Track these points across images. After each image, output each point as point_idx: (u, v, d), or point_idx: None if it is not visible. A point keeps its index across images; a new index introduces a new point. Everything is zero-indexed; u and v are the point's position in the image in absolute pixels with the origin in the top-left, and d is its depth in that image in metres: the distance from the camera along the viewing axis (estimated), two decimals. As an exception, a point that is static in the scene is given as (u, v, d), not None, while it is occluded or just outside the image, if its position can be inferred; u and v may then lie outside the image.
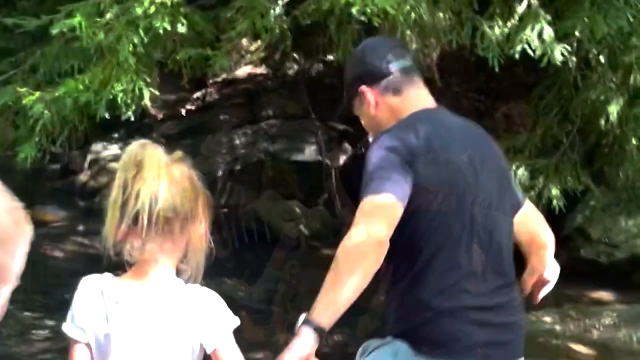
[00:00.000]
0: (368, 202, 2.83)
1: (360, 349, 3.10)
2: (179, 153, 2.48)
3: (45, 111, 5.35)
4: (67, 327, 2.44)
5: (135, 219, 2.37)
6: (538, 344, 6.66)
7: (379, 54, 3.21)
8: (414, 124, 3.03)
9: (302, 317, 2.69)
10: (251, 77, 11.07)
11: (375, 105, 3.15)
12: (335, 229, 9.07)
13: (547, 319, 7.09)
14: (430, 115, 3.13)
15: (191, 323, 2.39)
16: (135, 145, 2.43)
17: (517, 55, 5.79)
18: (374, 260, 2.72)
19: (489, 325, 2.95)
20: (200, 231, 2.46)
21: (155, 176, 2.38)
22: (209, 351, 2.42)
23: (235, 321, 2.45)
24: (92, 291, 2.41)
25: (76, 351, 2.44)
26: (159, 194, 2.37)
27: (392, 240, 2.77)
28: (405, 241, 2.86)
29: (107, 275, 2.43)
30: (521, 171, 7.26)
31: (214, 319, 2.41)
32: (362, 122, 3.26)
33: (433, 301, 2.89)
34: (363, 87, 3.16)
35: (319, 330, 2.66)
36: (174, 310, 2.39)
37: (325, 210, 9.34)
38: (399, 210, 2.81)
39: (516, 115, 8.82)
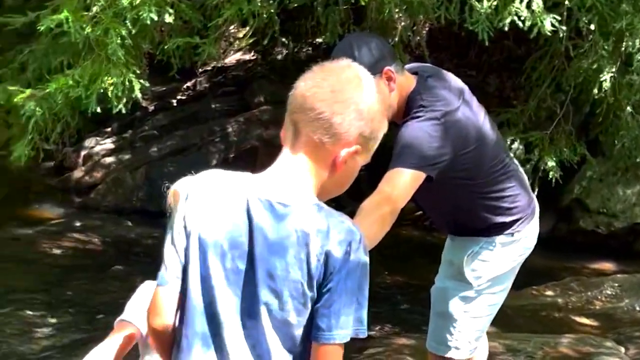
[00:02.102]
0: (405, 174, 3.28)
1: (465, 257, 3.68)
2: None
3: (37, 109, 5.30)
4: None
5: None
6: (541, 317, 6.66)
7: (385, 40, 3.41)
8: (443, 95, 3.46)
9: None
10: (241, 64, 11.02)
11: (394, 84, 3.40)
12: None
13: (549, 292, 7.09)
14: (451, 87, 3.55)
15: None
16: (176, 182, 2.57)
17: (506, 28, 5.75)
18: (388, 224, 3.19)
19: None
20: None
21: None
22: None
23: None
24: None
25: None
26: None
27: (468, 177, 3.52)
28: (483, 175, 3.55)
29: None
30: (516, 145, 7.23)
31: None
32: None
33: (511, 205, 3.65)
34: (388, 68, 3.38)
35: None
36: None
37: (321, 194, 9.29)
38: (419, 184, 3.31)
39: (508, 88, 8.79)
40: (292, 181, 2.18)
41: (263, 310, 2.13)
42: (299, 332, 2.14)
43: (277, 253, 2.12)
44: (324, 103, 2.16)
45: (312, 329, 2.14)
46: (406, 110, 3.44)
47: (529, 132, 7.44)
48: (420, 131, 3.35)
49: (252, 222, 2.14)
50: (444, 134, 3.37)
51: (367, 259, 2.15)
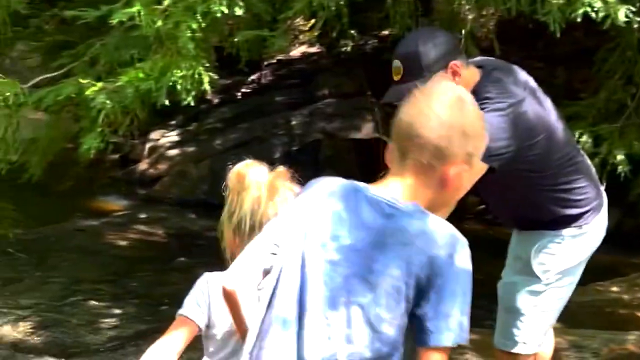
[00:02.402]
0: None
1: (532, 251, 3.66)
2: (280, 168, 2.75)
3: (107, 101, 5.32)
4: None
5: (241, 226, 2.66)
6: (605, 314, 6.56)
7: (451, 34, 3.65)
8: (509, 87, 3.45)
9: None
10: (306, 56, 11.03)
11: (459, 79, 3.39)
12: (394, 206, 8.93)
13: (615, 288, 6.98)
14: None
15: None
16: (239, 165, 2.74)
17: (579, 19, 5.65)
18: (446, 214, 3.05)
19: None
20: None
21: (257, 186, 2.66)
22: None
23: None
24: None
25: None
26: (262, 201, 2.65)
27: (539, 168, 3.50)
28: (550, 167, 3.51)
29: None
30: (584, 138, 7.10)
31: None
32: None
33: (579, 197, 3.61)
34: (453, 62, 3.40)
35: None
36: None
37: (383, 188, 9.24)
38: (481, 175, 3.25)
39: (577, 80, 8.68)
40: (399, 192, 2.25)
41: (354, 302, 2.17)
42: (389, 330, 2.16)
43: (379, 249, 2.18)
44: (429, 129, 2.22)
45: (417, 334, 2.17)
46: None
47: (598, 125, 7.33)
48: (485, 123, 3.32)
49: (357, 217, 2.22)
50: (509, 126, 3.36)
51: (470, 266, 2.19)
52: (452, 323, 2.14)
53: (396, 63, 3.46)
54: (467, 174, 2.30)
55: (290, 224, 2.27)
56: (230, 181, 2.73)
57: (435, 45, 3.40)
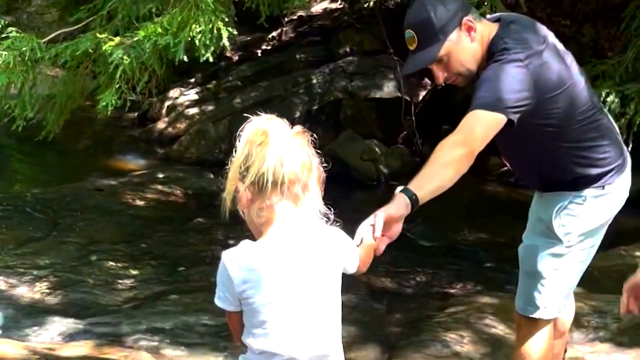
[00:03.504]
0: (483, 117, 3.20)
1: (554, 212, 3.62)
2: (299, 127, 2.64)
3: (125, 57, 5.24)
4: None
5: (260, 181, 2.53)
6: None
7: None
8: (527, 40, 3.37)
9: (400, 187, 3.00)
10: (327, 13, 10.93)
11: (474, 33, 3.37)
12: (415, 168, 8.87)
13: (638, 252, 6.88)
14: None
15: (338, 254, 2.69)
16: (260, 119, 2.62)
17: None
18: (464, 167, 3.11)
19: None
20: (314, 198, 2.64)
21: (281, 143, 2.55)
22: (351, 272, 2.76)
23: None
24: (246, 256, 2.58)
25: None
26: (284, 158, 2.54)
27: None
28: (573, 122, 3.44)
29: (248, 242, 2.62)
30: (611, 98, 7.00)
31: (351, 247, 2.75)
32: (455, 61, 3.42)
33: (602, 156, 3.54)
34: (466, 18, 3.36)
35: (413, 198, 2.95)
36: (320, 248, 2.64)
37: (404, 148, 9.19)
38: (499, 128, 3.22)
39: (603, 39, 8.56)
40: None
41: None
42: None
43: None
44: None
45: None
46: (488, 56, 3.39)
47: (624, 84, 7.20)
48: (502, 73, 3.28)
49: None
50: (527, 77, 3.29)
51: None
52: None
53: (409, 33, 3.42)
54: None
55: None
56: (250, 134, 2.58)
57: (444, 6, 3.36)
